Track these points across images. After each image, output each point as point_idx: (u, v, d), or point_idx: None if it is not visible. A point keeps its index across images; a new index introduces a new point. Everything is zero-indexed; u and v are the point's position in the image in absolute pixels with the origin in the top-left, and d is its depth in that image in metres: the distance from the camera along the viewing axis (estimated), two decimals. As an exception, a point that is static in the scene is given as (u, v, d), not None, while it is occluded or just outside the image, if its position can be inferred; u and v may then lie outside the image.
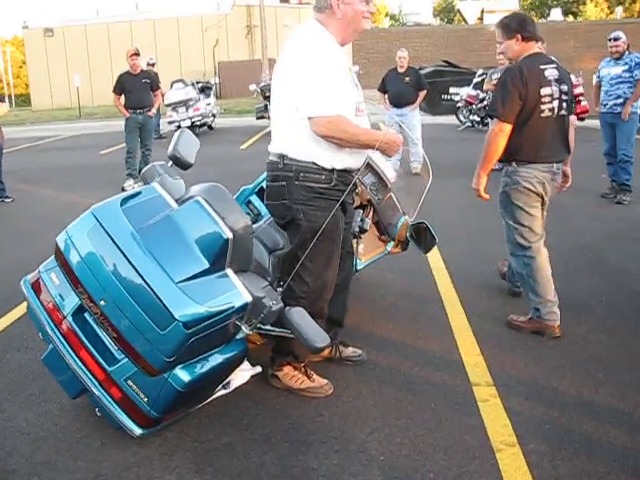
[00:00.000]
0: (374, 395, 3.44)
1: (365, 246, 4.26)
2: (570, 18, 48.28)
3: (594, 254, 5.87)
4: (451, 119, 17.80)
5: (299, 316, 2.87)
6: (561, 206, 7.77)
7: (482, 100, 14.69)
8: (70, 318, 2.87)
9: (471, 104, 16.11)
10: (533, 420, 3.15)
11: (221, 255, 2.75)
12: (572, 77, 14.24)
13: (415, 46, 32.57)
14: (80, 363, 2.85)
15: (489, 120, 11.90)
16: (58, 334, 2.91)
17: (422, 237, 4.30)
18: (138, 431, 2.85)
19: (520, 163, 4.14)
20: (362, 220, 3.92)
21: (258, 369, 3.39)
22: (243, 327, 2.85)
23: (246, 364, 3.33)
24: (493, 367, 3.69)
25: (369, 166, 4.27)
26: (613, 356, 3.82)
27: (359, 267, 4.20)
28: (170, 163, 3.28)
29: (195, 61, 36.28)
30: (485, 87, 10.92)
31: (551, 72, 4.05)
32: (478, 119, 15.83)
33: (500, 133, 4.02)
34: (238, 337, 2.97)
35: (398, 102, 10.14)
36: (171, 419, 3.00)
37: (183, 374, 2.75)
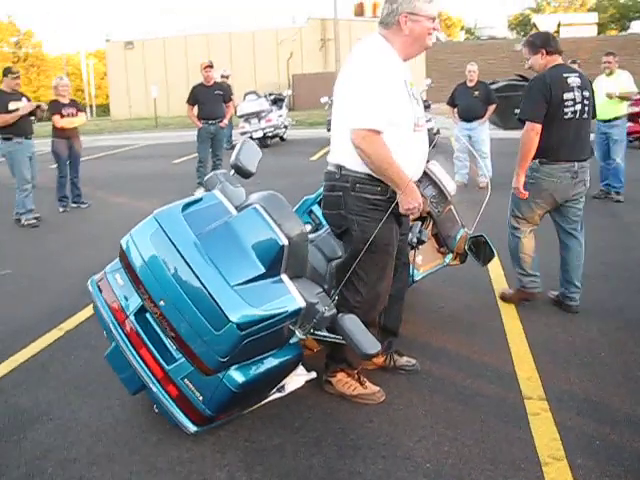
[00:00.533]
0: (425, 404, 3.47)
1: (423, 257, 4.30)
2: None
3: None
4: (523, 133, 17.52)
5: (351, 323, 2.94)
6: (629, 222, 7.63)
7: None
8: (132, 318, 3.03)
9: (543, 118, 15.83)
10: (583, 435, 3.12)
11: (276, 261, 2.85)
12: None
13: (489, 60, 32.28)
14: (140, 361, 3.00)
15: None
16: (121, 332, 3.06)
17: (481, 250, 4.32)
18: (193, 428, 2.97)
19: (543, 161, 4.57)
20: (420, 232, 3.95)
21: (313, 374, 3.47)
22: (297, 331, 2.94)
23: (301, 369, 3.41)
24: (546, 381, 3.67)
25: (430, 179, 4.33)
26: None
27: (417, 278, 4.24)
28: (232, 172, 3.41)
29: (269, 73, 36.89)
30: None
31: (573, 80, 4.51)
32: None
33: (532, 132, 4.44)
34: (292, 342, 3.06)
35: (467, 116, 10.10)
36: (225, 418, 3.11)
37: (237, 375, 2.85)
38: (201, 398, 2.90)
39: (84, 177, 10.48)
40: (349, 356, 3.43)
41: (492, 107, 10.24)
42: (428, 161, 4.42)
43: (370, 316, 3.37)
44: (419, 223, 4.02)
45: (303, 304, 2.84)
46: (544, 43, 4.60)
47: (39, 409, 3.54)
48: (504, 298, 5.01)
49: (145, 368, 2.99)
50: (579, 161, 4.58)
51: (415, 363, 3.87)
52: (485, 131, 10.18)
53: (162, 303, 2.79)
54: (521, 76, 22.39)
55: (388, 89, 3.14)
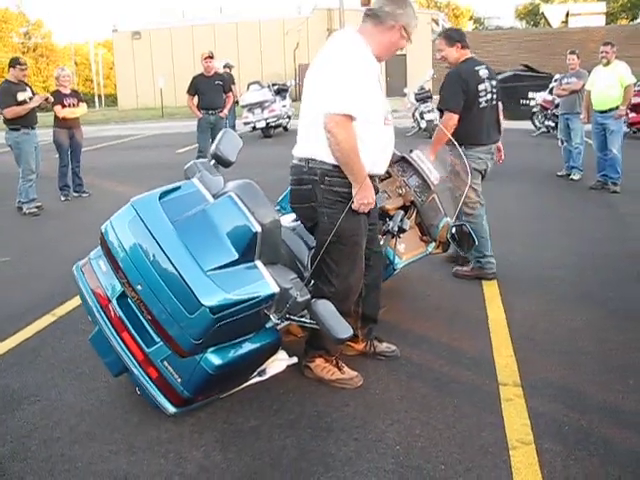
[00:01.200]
0: (401, 389, 3.56)
1: (406, 246, 4.37)
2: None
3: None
4: (528, 124, 17.53)
5: (324, 308, 3.03)
6: (624, 213, 7.67)
7: (557, 105, 14.43)
8: (115, 302, 3.12)
9: (547, 109, 15.84)
10: (553, 421, 3.19)
11: (250, 247, 2.93)
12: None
13: (496, 50, 32.18)
14: (122, 344, 3.09)
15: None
16: (104, 316, 3.16)
17: (463, 239, 4.39)
18: (172, 409, 3.06)
19: (468, 146, 4.97)
20: (402, 220, 4.02)
21: (294, 359, 3.55)
22: (271, 316, 3.02)
23: (283, 354, 3.50)
24: (523, 369, 3.74)
25: (413, 168, 4.40)
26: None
27: (399, 266, 4.31)
28: (212, 161, 3.49)
29: (276, 63, 36.90)
30: (555, 92, 10.78)
31: (483, 72, 5.09)
32: (553, 124, 15.54)
33: (450, 121, 4.93)
34: (270, 326, 3.14)
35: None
36: (204, 400, 3.20)
37: (214, 358, 2.94)
38: (179, 380, 2.98)
39: (87, 166, 10.60)
40: (327, 342, 3.51)
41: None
42: (411, 151, 4.50)
43: (345, 306, 3.43)
44: (401, 212, 4.09)
45: (277, 289, 2.92)
46: (460, 38, 5.13)
47: (27, 390, 3.65)
48: (458, 275, 5.40)
49: (126, 351, 3.08)
50: (494, 142, 5.34)
51: (395, 349, 3.94)
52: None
53: (139, 287, 2.88)
54: (527, 66, 22.35)
55: (364, 80, 3.23)
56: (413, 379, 3.67)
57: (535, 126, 16.89)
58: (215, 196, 3.14)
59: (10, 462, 2.97)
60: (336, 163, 3.26)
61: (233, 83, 16.66)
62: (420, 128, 16.11)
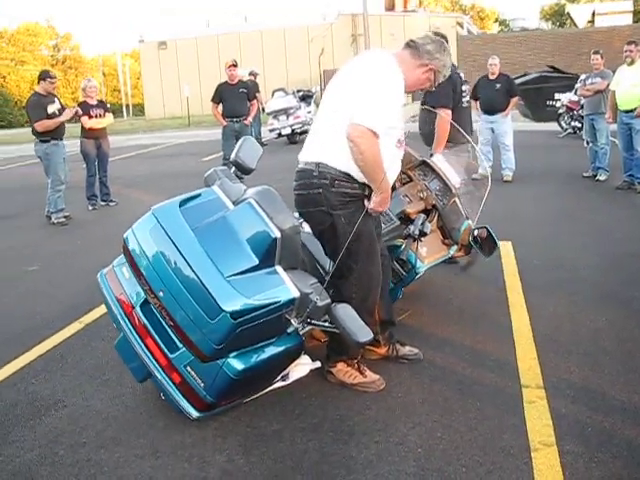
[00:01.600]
0: (423, 392, 3.56)
1: (428, 249, 4.37)
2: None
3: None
4: (554, 126, 17.41)
5: (344, 312, 3.05)
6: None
7: (583, 106, 14.31)
8: (138, 309, 3.18)
9: (572, 110, 15.70)
10: (576, 423, 3.18)
11: (270, 253, 2.96)
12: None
13: (522, 51, 31.99)
14: (146, 350, 3.15)
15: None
16: (128, 323, 3.22)
17: (484, 242, 4.38)
18: (195, 414, 3.11)
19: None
20: (423, 224, 4.04)
21: (317, 364, 3.59)
22: (292, 321, 3.05)
23: (306, 358, 3.54)
24: (546, 370, 3.72)
25: (435, 172, 4.41)
26: (674, 366, 3.76)
27: (422, 270, 4.31)
28: (233, 168, 3.54)
29: (301, 70, 37.03)
30: (579, 92, 10.71)
31: (460, 75, 5.87)
32: (579, 125, 15.40)
33: (447, 117, 5.39)
34: (291, 331, 3.16)
35: (489, 109, 10.10)
36: (227, 405, 3.24)
37: (236, 363, 2.98)
38: (202, 385, 3.03)
39: (114, 176, 10.76)
40: (348, 346, 3.53)
41: (514, 99, 10.24)
42: (432, 155, 4.51)
43: (368, 305, 3.47)
44: (422, 215, 4.10)
45: (297, 294, 2.95)
46: (447, 42, 5.26)
47: (55, 397, 3.72)
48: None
49: (150, 357, 3.14)
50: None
51: (417, 352, 3.95)
52: (508, 123, 10.15)
53: (161, 294, 2.93)
54: (553, 67, 22.17)
55: (395, 103, 3.33)
56: (435, 382, 3.68)
57: (561, 127, 16.75)
58: (235, 203, 3.18)
59: (38, 467, 3.04)
60: (346, 170, 3.32)
61: (258, 91, 16.83)
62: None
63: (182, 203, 3.15)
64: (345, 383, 3.64)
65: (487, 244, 4.40)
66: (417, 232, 4.00)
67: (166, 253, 2.95)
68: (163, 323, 3.09)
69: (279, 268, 3.02)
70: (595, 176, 9.82)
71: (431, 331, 4.39)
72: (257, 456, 3.03)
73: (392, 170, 3.50)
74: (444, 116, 5.38)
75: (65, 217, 8.91)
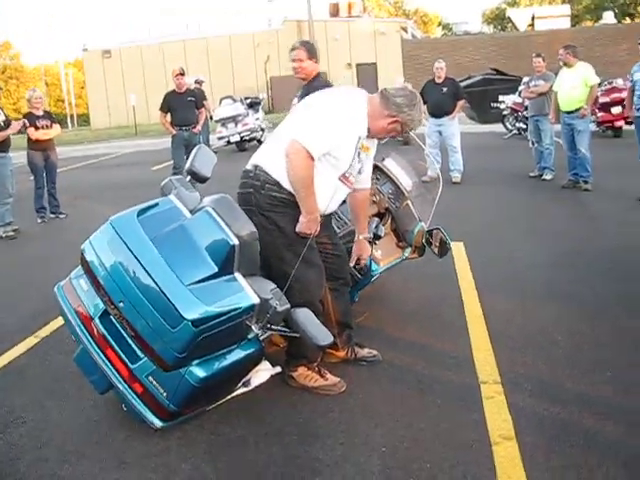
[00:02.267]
0: (384, 393, 3.62)
1: (383, 252, 4.44)
2: (628, 20, 47.30)
3: (619, 258, 5.86)
4: (499, 127, 17.78)
5: (304, 316, 3.08)
6: (596, 211, 7.83)
7: (527, 108, 14.65)
8: (97, 320, 3.15)
9: (517, 112, 16.08)
10: (534, 416, 3.27)
11: (228, 260, 2.98)
12: (619, 81, 14.17)
13: (465, 55, 32.55)
14: (107, 361, 3.13)
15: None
16: (87, 335, 3.19)
17: (438, 243, 4.48)
18: (159, 423, 3.10)
19: None
20: (377, 227, 4.11)
21: (278, 369, 3.60)
22: (253, 327, 3.07)
23: (267, 364, 3.55)
24: (502, 366, 3.82)
25: (387, 176, 4.48)
26: (623, 358, 3.88)
27: (377, 272, 4.38)
28: (188, 177, 3.55)
29: (247, 77, 37.00)
30: (523, 94, 10.98)
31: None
32: (524, 126, 15.77)
33: None
34: (251, 337, 3.18)
35: (437, 112, 10.27)
36: (191, 413, 3.24)
37: (198, 371, 2.98)
38: (165, 394, 3.02)
39: (63, 187, 10.59)
40: (307, 350, 3.57)
41: (461, 102, 10.44)
42: (384, 159, 4.59)
43: (316, 308, 3.44)
44: (376, 219, 4.17)
45: (257, 300, 2.97)
46: (317, 53, 5.26)
47: (14, 413, 3.66)
48: None
49: (111, 368, 3.12)
50: None
51: (376, 354, 4.00)
52: (455, 126, 10.35)
53: (121, 304, 2.93)
54: (496, 70, 22.64)
55: (342, 134, 3.38)
56: (395, 382, 3.74)
57: (506, 128, 17.13)
58: (192, 211, 3.19)
59: (0, 485, 3.00)
60: (276, 178, 3.40)
61: (205, 99, 16.72)
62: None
63: (140, 213, 3.15)
64: (306, 387, 3.67)
65: (440, 245, 4.49)
66: (371, 235, 4.08)
67: (125, 263, 2.94)
68: (123, 333, 3.07)
69: (238, 275, 3.03)
70: (541, 175, 10.07)
71: (388, 332, 4.45)
72: (223, 463, 3.05)
73: (332, 200, 3.57)
74: None
75: (14, 231, 8.72)
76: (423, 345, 4.22)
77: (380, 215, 4.51)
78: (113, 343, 3.10)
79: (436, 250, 4.52)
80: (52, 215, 9.82)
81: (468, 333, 4.35)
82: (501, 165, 11.94)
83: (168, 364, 2.90)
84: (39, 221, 9.60)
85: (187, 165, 3.53)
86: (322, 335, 3.02)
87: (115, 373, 3.11)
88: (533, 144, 10.38)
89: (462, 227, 7.24)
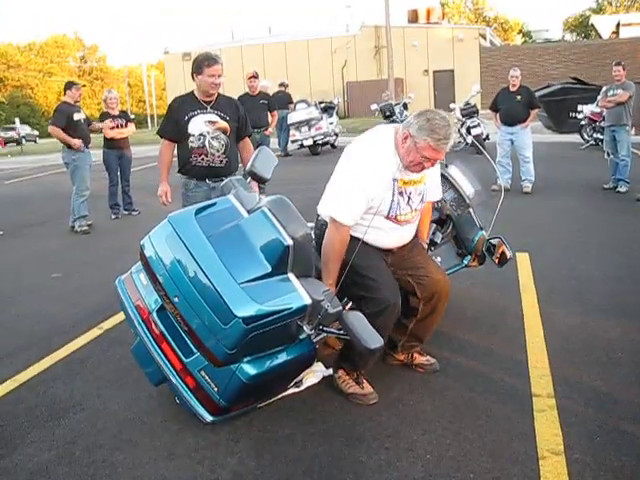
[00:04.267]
0: (434, 400, 3.60)
1: (442, 259, 4.42)
2: None
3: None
4: (576, 138, 17.35)
5: (355, 319, 3.08)
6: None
7: (604, 118, 14.25)
8: (155, 314, 3.26)
9: (594, 121, 15.65)
10: (585, 431, 3.20)
11: (282, 260, 3.03)
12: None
13: (545, 63, 31.89)
14: (161, 354, 3.23)
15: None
16: (144, 328, 3.31)
17: (499, 252, 4.42)
18: (209, 418, 3.18)
19: None
20: (434, 233, 4.10)
21: (330, 371, 3.64)
22: (304, 327, 3.11)
23: (320, 365, 3.60)
24: (558, 380, 3.74)
25: (449, 182, 4.46)
26: (687, 376, 3.76)
27: None
28: (249, 179, 3.62)
29: (324, 81, 37.20)
30: (600, 104, 10.67)
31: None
32: (602, 137, 15.33)
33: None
34: (305, 338, 3.22)
35: (509, 120, 10.12)
36: (240, 409, 3.31)
37: (249, 368, 3.04)
38: (216, 389, 3.09)
39: (137, 185, 10.92)
40: (354, 356, 3.59)
41: (534, 112, 10.25)
42: (447, 166, 4.56)
43: (378, 322, 3.37)
44: (433, 225, 4.15)
45: (309, 301, 3.00)
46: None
47: (73, 400, 3.81)
48: None
49: (166, 361, 3.22)
50: None
51: (434, 362, 3.98)
52: (528, 135, 10.15)
53: (176, 299, 3.01)
54: (576, 79, 22.11)
55: (372, 187, 3.41)
56: (447, 390, 3.71)
57: (583, 139, 16.69)
58: (249, 211, 3.26)
59: (55, 466, 3.13)
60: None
61: (291, 102, 17.03)
62: (467, 143, 16.05)
63: (198, 211, 3.24)
64: (341, 391, 3.69)
65: (501, 255, 4.43)
66: (427, 241, 4.07)
67: (181, 260, 3.03)
68: (178, 328, 3.16)
69: (291, 275, 3.08)
70: (615, 188, 9.78)
71: (445, 339, 4.42)
72: (268, 460, 3.09)
73: (390, 242, 3.67)
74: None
75: (88, 225, 9.04)
76: (479, 353, 4.18)
77: (441, 222, 4.49)
78: (168, 337, 3.20)
79: (496, 259, 4.46)
80: (125, 212, 10.14)
81: (526, 344, 4.27)
82: (575, 176, 11.65)
83: (219, 359, 2.97)
84: (113, 217, 9.93)
85: (248, 166, 3.60)
86: (372, 338, 3.01)
87: (169, 366, 3.21)
88: (609, 155, 10.09)
89: (529, 238, 7.12)
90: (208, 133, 4.84)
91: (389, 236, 3.61)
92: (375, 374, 3.84)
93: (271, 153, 3.80)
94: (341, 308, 3.16)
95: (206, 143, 4.86)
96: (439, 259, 4.38)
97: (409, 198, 3.55)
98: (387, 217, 3.53)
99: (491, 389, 3.70)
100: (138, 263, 3.44)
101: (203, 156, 4.93)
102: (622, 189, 9.66)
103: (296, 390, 3.60)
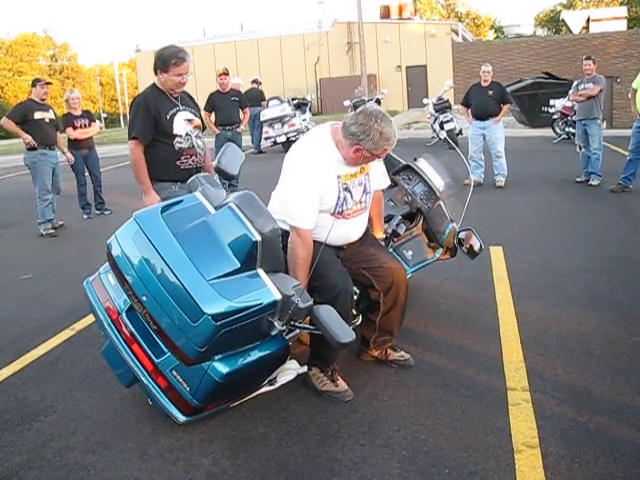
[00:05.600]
0: (409, 395, 3.59)
1: (414, 252, 4.41)
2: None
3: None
4: (549, 132, 17.51)
5: (326, 313, 3.07)
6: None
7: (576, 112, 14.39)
8: (124, 315, 3.21)
9: (566, 116, 15.80)
10: (560, 424, 3.21)
11: (251, 256, 3.00)
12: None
13: (517, 58, 32.07)
14: (132, 355, 3.18)
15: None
16: (114, 329, 3.25)
17: (469, 244, 4.45)
18: (182, 418, 3.13)
19: None
20: (397, 224, 4.14)
21: (304, 369, 3.61)
22: (275, 323, 3.08)
23: (293, 363, 3.56)
24: (532, 373, 3.76)
25: (419, 176, 4.46)
26: (660, 367, 3.79)
27: (408, 273, 4.34)
28: (215, 175, 3.58)
29: (297, 78, 37.06)
30: (572, 97, 10.77)
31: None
32: (574, 131, 15.49)
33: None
34: (277, 335, 3.18)
35: (481, 114, 10.16)
36: (214, 409, 3.26)
37: (221, 366, 3.00)
38: (188, 389, 3.05)
39: (110, 184, 10.81)
40: (326, 352, 3.60)
41: (506, 107, 10.31)
42: (416, 159, 4.57)
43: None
44: (398, 216, 4.18)
45: (279, 296, 2.97)
46: None
47: (44, 402, 3.75)
48: None
49: (137, 362, 3.17)
50: None
51: (408, 358, 3.97)
52: (500, 130, 10.21)
53: (144, 298, 2.97)
54: (548, 73, 22.31)
55: (319, 187, 3.44)
56: (422, 385, 3.71)
57: (556, 133, 16.86)
58: (217, 208, 3.22)
59: (26, 471, 3.07)
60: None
61: (263, 99, 16.94)
62: (440, 138, 16.12)
63: (164, 209, 3.19)
64: (316, 388, 3.67)
65: (471, 246, 4.45)
66: (390, 231, 4.09)
67: (148, 258, 2.98)
68: (148, 328, 3.11)
69: (261, 271, 3.04)
70: (588, 181, 9.88)
71: (419, 334, 4.42)
72: (243, 459, 3.06)
73: (343, 239, 3.69)
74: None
75: (55, 228, 8.84)
76: (454, 348, 4.18)
77: (412, 215, 4.49)
78: (139, 338, 3.15)
79: (466, 250, 4.48)
80: (97, 212, 10.00)
81: (500, 338, 4.29)
82: (547, 170, 11.75)
83: (190, 358, 2.93)
84: (85, 217, 9.79)
85: (214, 163, 3.56)
86: (344, 333, 3.00)
87: (140, 367, 3.15)
88: (580, 149, 10.19)
89: (502, 231, 7.16)
90: (192, 132, 4.66)
91: (336, 234, 3.56)
92: (349, 370, 3.84)
93: (238, 149, 3.77)
94: (312, 303, 3.13)
95: (194, 143, 4.66)
96: (410, 253, 4.38)
97: (352, 192, 3.59)
98: (333, 214, 3.55)
99: (466, 384, 3.70)
100: (106, 263, 3.39)
101: (194, 157, 4.66)
102: (594, 182, 9.75)
103: (270, 388, 3.57)
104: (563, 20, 42.73)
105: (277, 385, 3.58)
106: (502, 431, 3.18)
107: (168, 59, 4.46)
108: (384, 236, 4.08)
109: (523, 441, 3.08)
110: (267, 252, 3.04)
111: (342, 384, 3.66)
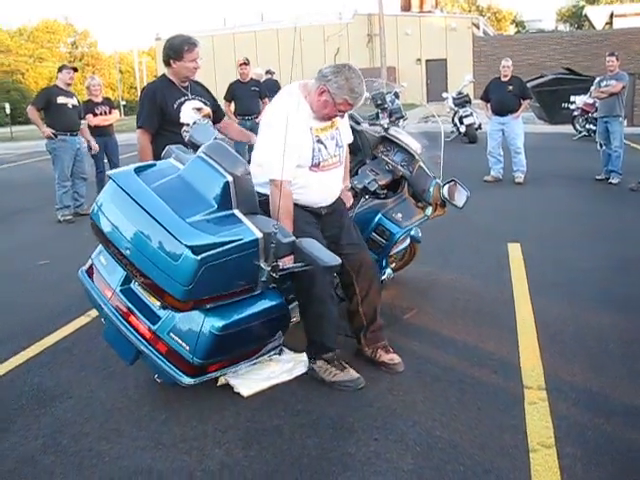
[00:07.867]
0: (425, 391, 3.57)
1: (403, 215, 4.37)
2: None
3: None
4: (569, 128, 17.34)
5: (308, 244, 3.13)
6: None
7: (597, 108, 14.22)
8: (118, 290, 3.31)
9: (587, 112, 15.63)
10: (576, 425, 3.17)
11: (225, 196, 3.07)
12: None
13: (538, 53, 31.84)
14: (131, 328, 3.25)
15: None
16: (110, 307, 3.35)
17: (456, 194, 4.49)
18: (187, 380, 3.16)
19: None
20: (369, 182, 4.23)
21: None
22: (262, 264, 3.08)
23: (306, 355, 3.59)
24: (549, 372, 3.72)
25: (396, 144, 4.51)
26: (679, 369, 3.74)
27: (400, 234, 4.32)
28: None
29: (316, 69, 36.80)
30: (593, 94, 10.66)
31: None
32: (594, 128, 15.33)
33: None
34: (271, 289, 3.27)
35: (500, 110, 10.09)
36: (218, 370, 3.30)
37: (216, 319, 3.07)
38: (187, 348, 3.09)
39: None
40: (322, 335, 3.63)
41: (526, 102, 10.24)
42: (387, 129, 4.60)
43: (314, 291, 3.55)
44: (369, 174, 4.31)
45: (259, 235, 3.01)
46: None
47: (60, 388, 3.77)
48: None
49: (135, 333, 3.24)
50: None
51: (398, 362, 3.84)
52: (519, 125, 10.12)
53: (128, 252, 3.02)
54: (569, 69, 22.08)
55: (294, 139, 3.42)
56: (438, 381, 3.68)
57: (576, 130, 16.69)
58: None
59: (41, 455, 3.08)
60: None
61: (279, 88, 16.82)
62: (460, 132, 16.02)
63: (137, 170, 3.27)
64: (325, 381, 3.65)
65: (459, 195, 4.48)
66: (360, 187, 4.20)
67: (127, 211, 3.05)
68: (142, 298, 3.25)
69: (237, 212, 3.10)
70: (608, 179, 9.78)
71: (436, 330, 4.40)
72: (256, 450, 3.05)
73: (325, 192, 3.75)
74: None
75: (72, 215, 8.89)
76: (469, 345, 4.15)
77: (396, 182, 4.51)
78: (134, 309, 3.25)
79: (456, 201, 4.49)
80: (116, 198, 10.01)
81: (517, 336, 4.25)
82: (567, 167, 11.65)
83: (179, 300, 2.95)
84: (103, 204, 9.81)
85: (186, 138, 3.66)
86: (329, 257, 3.06)
87: (140, 338, 3.23)
88: (601, 146, 10.08)
89: (520, 228, 7.11)
90: (200, 121, 4.70)
91: (316, 190, 3.67)
92: (364, 365, 3.82)
93: (208, 126, 3.93)
94: (293, 238, 3.16)
95: None
96: (400, 215, 4.34)
97: (326, 145, 3.65)
98: (311, 167, 3.60)
99: (482, 380, 3.67)
100: (97, 248, 3.51)
101: None
102: (614, 180, 9.65)
103: (286, 379, 3.60)
104: (586, 15, 42.32)
105: (293, 376, 3.60)
106: (518, 430, 3.15)
107: (180, 47, 4.51)
108: (350, 185, 4.16)
109: (539, 440, 3.05)
110: (241, 193, 3.11)
111: (352, 371, 3.64)
